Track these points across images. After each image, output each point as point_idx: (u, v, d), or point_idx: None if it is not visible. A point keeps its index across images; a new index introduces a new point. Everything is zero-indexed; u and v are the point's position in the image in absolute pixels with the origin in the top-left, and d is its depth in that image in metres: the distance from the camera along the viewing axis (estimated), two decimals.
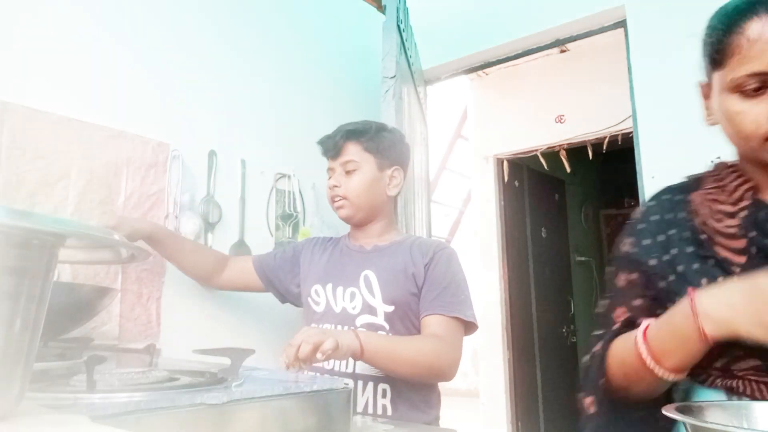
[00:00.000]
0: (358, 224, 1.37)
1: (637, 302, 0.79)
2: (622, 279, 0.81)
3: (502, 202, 3.67)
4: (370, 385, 1.21)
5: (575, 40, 2.22)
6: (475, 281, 3.64)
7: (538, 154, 3.69)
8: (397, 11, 1.77)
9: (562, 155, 3.74)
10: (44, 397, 0.60)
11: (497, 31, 2.33)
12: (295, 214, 1.83)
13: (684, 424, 0.54)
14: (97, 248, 0.75)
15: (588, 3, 2.09)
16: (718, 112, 0.75)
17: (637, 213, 0.85)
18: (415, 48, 2.21)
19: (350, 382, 0.87)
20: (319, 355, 0.96)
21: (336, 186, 1.32)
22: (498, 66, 2.57)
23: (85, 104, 1.35)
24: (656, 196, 0.85)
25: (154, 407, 0.59)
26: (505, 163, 3.71)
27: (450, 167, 5.29)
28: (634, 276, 0.79)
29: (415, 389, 1.23)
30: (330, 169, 1.36)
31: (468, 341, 1.25)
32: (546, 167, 3.87)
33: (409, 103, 1.96)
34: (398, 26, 1.76)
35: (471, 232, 4.24)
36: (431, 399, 1.27)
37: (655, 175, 1.85)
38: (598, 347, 0.79)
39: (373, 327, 1.23)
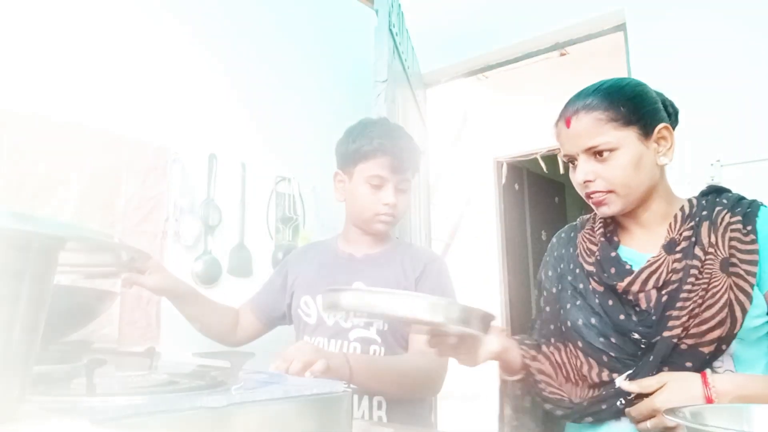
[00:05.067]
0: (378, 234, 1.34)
1: None
2: None
3: (502, 205, 3.67)
4: (366, 398, 1.21)
5: (575, 43, 2.23)
6: (475, 284, 3.63)
7: (538, 157, 3.69)
8: (389, 15, 1.77)
9: (560, 158, 3.74)
10: (44, 401, 0.60)
11: (497, 34, 2.34)
12: (295, 217, 1.83)
13: (684, 426, 0.54)
14: (97, 252, 0.75)
15: (588, 7, 2.10)
16: None
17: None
18: (412, 51, 2.21)
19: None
20: (307, 374, 0.96)
21: (392, 203, 1.25)
22: (498, 69, 2.57)
23: (86, 109, 1.36)
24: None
25: (154, 410, 0.59)
26: (505, 166, 3.71)
27: (450, 170, 5.29)
28: None
29: None
30: (384, 179, 1.25)
31: None
32: (546, 170, 3.87)
33: (404, 107, 1.95)
34: (390, 30, 1.76)
35: (471, 235, 4.23)
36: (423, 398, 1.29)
37: None
38: None
39: (366, 341, 1.23)
